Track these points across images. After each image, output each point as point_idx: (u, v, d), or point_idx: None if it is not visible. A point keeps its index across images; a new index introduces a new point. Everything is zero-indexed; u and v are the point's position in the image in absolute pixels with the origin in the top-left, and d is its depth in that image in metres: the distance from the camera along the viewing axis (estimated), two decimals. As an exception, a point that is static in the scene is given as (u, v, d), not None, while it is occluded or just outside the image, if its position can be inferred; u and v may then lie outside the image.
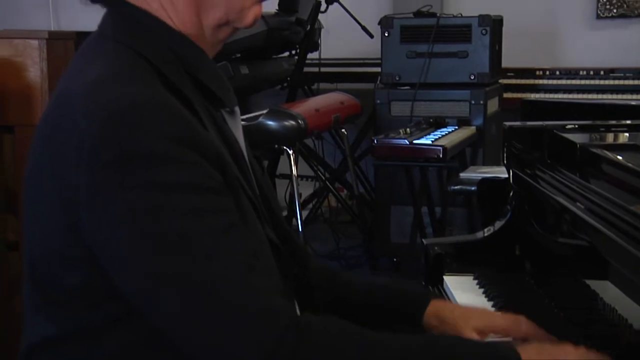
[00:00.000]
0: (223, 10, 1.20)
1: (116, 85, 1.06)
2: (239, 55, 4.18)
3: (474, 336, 1.33)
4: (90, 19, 1.32)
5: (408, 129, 3.65)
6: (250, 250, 1.09)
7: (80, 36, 3.03)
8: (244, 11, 1.21)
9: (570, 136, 1.65)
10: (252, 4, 1.22)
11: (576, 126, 1.78)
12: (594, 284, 1.42)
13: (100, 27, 1.20)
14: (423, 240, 1.92)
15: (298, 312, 1.26)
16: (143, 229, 1.02)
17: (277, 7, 4.36)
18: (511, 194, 1.85)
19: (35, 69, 2.71)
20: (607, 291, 1.36)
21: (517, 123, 1.87)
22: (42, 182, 1.11)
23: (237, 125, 1.29)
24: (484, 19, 4.10)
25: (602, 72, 4.72)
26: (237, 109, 1.29)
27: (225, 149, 1.17)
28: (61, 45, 2.79)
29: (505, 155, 1.87)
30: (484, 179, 2.13)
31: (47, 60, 2.70)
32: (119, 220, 1.03)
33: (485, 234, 1.85)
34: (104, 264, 1.07)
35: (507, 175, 1.88)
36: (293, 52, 4.66)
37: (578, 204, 1.42)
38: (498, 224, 1.84)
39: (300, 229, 3.63)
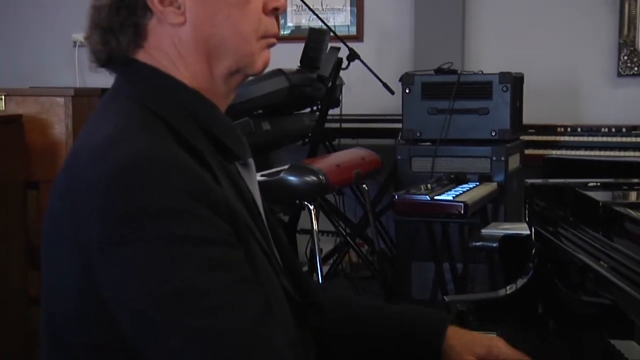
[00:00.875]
0: (233, 58, 1.22)
1: (127, 141, 1.08)
2: (260, 111, 4.21)
3: None
4: (114, 75, 1.34)
5: (429, 185, 3.65)
6: (261, 303, 1.09)
7: (105, 93, 3.08)
8: (254, 57, 1.23)
9: (592, 194, 1.64)
10: (261, 49, 1.24)
11: (598, 184, 1.77)
12: (619, 344, 1.40)
13: (113, 85, 1.23)
14: (445, 297, 1.91)
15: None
16: (153, 281, 1.02)
17: (298, 64, 4.41)
18: (533, 251, 1.83)
19: (60, 126, 2.76)
20: (632, 351, 1.34)
21: (539, 180, 1.87)
22: (58, 239, 1.12)
23: (251, 177, 1.30)
24: (504, 76, 4.12)
25: (624, 130, 4.70)
26: (251, 161, 1.30)
27: (239, 201, 1.17)
28: (86, 102, 2.84)
29: (527, 212, 1.86)
30: (506, 236, 2.12)
31: (72, 117, 2.74)
32: (128, 273, 1.03)
33: (508, 292, 1.84)
34: (115, 316, 1.07)
35: (529, 232, 1.87)
36: (314, 108, 4.70)
37: (601, 262, 1.41)
38: (520, 282, 1.83)
39: (320, 285, 3.61)
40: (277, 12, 1.25)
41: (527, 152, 4.57)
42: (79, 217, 1.07)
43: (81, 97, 2.85)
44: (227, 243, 1.07)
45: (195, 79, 1.21)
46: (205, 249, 1.04)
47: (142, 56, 1.21)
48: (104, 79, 1.27)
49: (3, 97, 3.17)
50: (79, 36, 5.53)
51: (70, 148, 2.76)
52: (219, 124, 1.22)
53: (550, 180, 1.85)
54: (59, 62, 5.77)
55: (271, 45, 1.26)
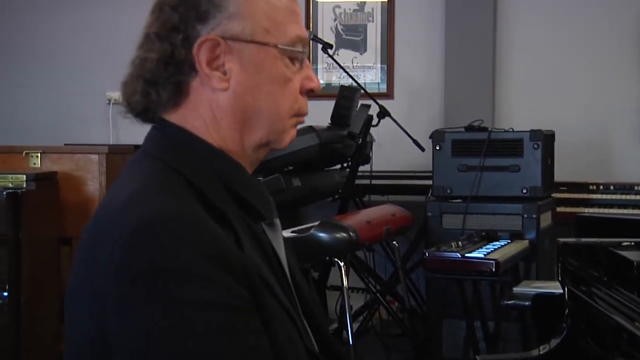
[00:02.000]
0: (265, 131, 1.24)
1: (147, 200, 1.09)
2: (291, 167, 4.24)
3: None
4: (147, 132, 1.36)
5: (460, 242, 3.63)
6: None
7: (138, 149, 3.13)
8: (284, 134, 1.26)
9: (626, 254, 1.62)
10: (291, 127, 1.27)
11: (632, 243, 1.76)
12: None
13: (143, 145, 1.24)
14: (477, 356, 1.89)
15: None
16: (164, 345, 1.02)
17: (329, 121, 4.44)
18: (567, 311, 1.81)
19: (94, 183, 2.79)
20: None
21: (572, 239, 1.86)
22: (79, 296, 1.13)
23: (277, 237, 1.30)
24: (535, 134, 4.12)
25: (657, 187, 4.67)
26: (277, 221, 1.31)
27: (262, 262, 1.18)
28: (120, 159, 2.88)
29: (560, 271, 1.85)
30: (538, 295, 2.10)
31: (105, 174, 2.78)
32: (140, 334, 1.03)
33: (541, 352, 1.81)
34: None
35: (562, 291, 1.85)
36: (345, 164, 4.71)
37: (637, 323, 1.39)
38: (554, 342, 1.81)
39: (350, 342, 3.58)
40: (311, 94, 1.28)
41: (558, 209, 4.54)
42: (98, 275, 1.08)
43: (115, 155, 2.89)
44: (240, 309, 1.07)
45: (224, 142, 1.23)
46: (216, 314, 1.04)
47: (174, 116, 1.23)
48: (137, 136, 1.29)
49: (39, 154, 3.23)
50: (114, 94, 5.63)
51: (103, 205, 2.79)
52: (244, 185, 1.23)
53: (583, 239, 1.83)
54: (94, 119, 5.86)
55: (299, 123, 1.29)
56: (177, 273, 1.03)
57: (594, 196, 4.75)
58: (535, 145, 4.10)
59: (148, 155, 1.21)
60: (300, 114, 1.28)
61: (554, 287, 2.03)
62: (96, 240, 1.11)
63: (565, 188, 4.77)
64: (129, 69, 1.24)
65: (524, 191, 4.11)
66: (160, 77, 1.20)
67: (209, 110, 1.22)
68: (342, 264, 3.59)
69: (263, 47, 1.21)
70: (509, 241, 3.91)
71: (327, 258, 3.61)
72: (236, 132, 1.23)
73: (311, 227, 3.48)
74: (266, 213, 1.26)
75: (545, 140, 4.15)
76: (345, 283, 3.64)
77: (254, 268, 1.12)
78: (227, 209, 1.16)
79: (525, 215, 4.04)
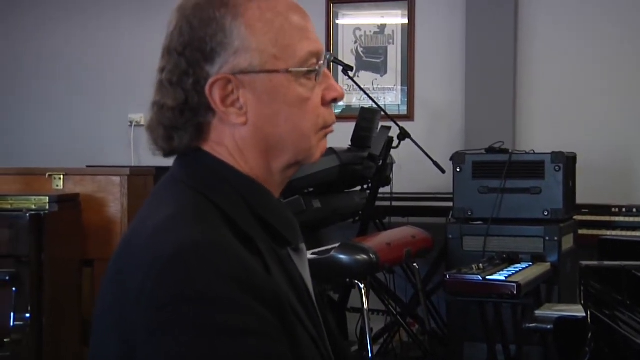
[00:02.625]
0: (292, 153, 1.24)
1: (178, 229, 1.10)
2: (311, 189, 4.24)
3: None
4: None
5: (481, 265, 3.61)
6: None
7: (160, 171, 3.15)
8: (312, 150, 1.25)
9: (649, 277, 1.61)
10: (319, 140, 1.26)
11: (655, 267, 1.74)
12: None
13: (171, 170, 1.25)
14: (499, 381, 1.87)
15: None
16: None
17: (350, 143, 4.45)
18: (590, 334, 1.80)
19: (116, 204, 2.81)
20: None
21: (594, 263, 1.84)
22: (107, 320, 1.13)
23: (303, 262, 1.30)
24: (557, 156, 4.10)
25: (680, 210, 4.62)
26: (303, 246, 1.31)
27: (289, 288, 1.18)
28: (141, 180, 2.89)
29: (582, 294, 1.83)
30: (561, 318, 2.09)
31: (127, 196, 2.80)
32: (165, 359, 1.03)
33: (564, 376, 1.80)
34: None
35: (584, 315, 1.84)
36: (365, 186, 4.71)
37: (661, 348, 1.38)
38: (577, 366, 1.79)
39: (371, 366, 3.57)
40: (336, 102, 1.27)
41: (580, 232, 4.51)
42: (126, 301, 1.08)
43: (136, 176, 2.91)
44: (268, 336, 1.07)
45: (252, 170, 1.23)
46: (245, 341, 1.04)
47: (203, 145, 1.23)
48: (159, 158, 1.30)
49: (62, 176, 3.26)
50: (135, 116, 5.67)
51: (125, 227, 2.80)
52: (271, 210, 1.23)
53: (606, 263, 1.82)
54: (116, 141, 5.91)
55: (328, 133, 1.28)
56: (207, 301, 1.04)
57: (617, 219, 4.72)
58: (556, 167, 4.09)
59: (177, 181, 1.22)
60: (326, 126, 1.27)
61: (577, 311, 2.01)
62: (126, 265, 1.12)
63: (587, 210, 4.74)
64: (150, 113, 1.25)
65: (546, 213, 4.09)
66: (179, 122, 1.21)
67: (233, 143, 1.23)
68: (362, 286, 3.58)
69: (274, 75, 1.20)
70: (531, 264, 3.89)
71: (348, 280, 3.60)
72: (262, 160, 1.23)
73: (331, 248, 3.48)
74: (292, 238, 1.26)
75: (567, 162, 4.13)
76: (365, 305, 3.63)
77: (282, 294, 1.13)
78: (255, 235, 1.17)
79: (547, 238, 4.02)
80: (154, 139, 1.25)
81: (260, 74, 1.20)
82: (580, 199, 4.45)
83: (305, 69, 1.22)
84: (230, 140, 1.22)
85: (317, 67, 1.24)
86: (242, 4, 1.20)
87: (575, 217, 4.46)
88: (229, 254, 1.08)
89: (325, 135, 1.27)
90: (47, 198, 3.11)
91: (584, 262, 1.83)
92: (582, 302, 1.83)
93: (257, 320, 1.06)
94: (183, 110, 1.20)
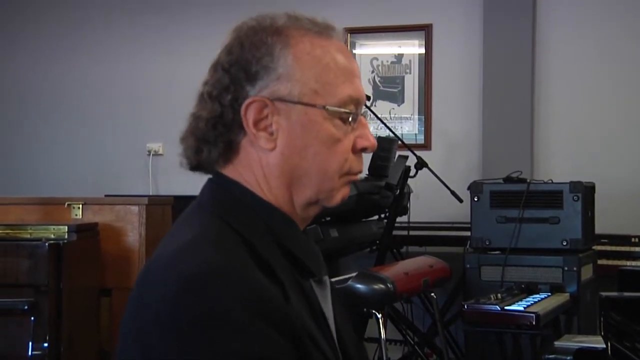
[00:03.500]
0: (314, 190, 1.25)
1: (197, 254, 1.11)
2: (328, 218, 4.24)
3: None
4: (187, 182, 1.38)
5: (499, 295, 3.59)
6: None
7: (178, 200, 3.16)
8: (334, 192, 1.26)
9: (670, 309, 1.60)
10: (342, 185, 1.27)
11: (676, 298, 1.73)
12: None
13: (199, 196, 1.27)
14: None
15: None
16: None
17: (367, 172, 4.45)
18: (610, 367, 1.78)
19: (134, 234, 2.82)
20: None
21: (614, 293, 1.83)
22: (128, 342, 1.14)
23: (325, 294, 1.30)
24: (575, 186, 4.09)
25: (701, 240, 4.58)
26: (326, 278, 1.31)
27: (308, 316, 1.18)
28: (159, 210, 2.91)
29: (602, 326, 1.82)
30: (581, 349, 2.07)
31: (145, 225, 2.81)
32: None
33: (584, 409, 1.78)
34: None
35: (604, 346, 1.82)
36: (382, 215, 4.71)
37: (682, 381, 1.36)
38: (597, 399, 1.77)
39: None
40: (366, 152, 1.28)
41: (600, 262, 4.48)
42: (146, 326, 1.09)
43: (154, 206, 2.92)
44: None
45: (276, 199, 1.25)
46: None
47: (229, 170, 1.26)
48: (176, 187, 1.31)
49: (80, 205, 3.28)
50: (153, 145, 5.70)
51: (143, 256, 2.81)
52: (295, 240, 1.24)
53: (626, 294, 1.81)
54: (134, 170, 5.93)
55: (352, 180, 1.29)
56: (222, 326, 1.04)
57: (637, 249, 4.68)
58: (575, 197, 4.07)
59: (202, 207, 1.24)
60: (351, 173, 1.27)
61: (597, 342, 1.99)
62: (146, 288, 1.13)
63: (606, 240, 4.71)
64: (186, 124, 1.27)
65: (564, 243, 4.06)
66: (210, 136, 1.24)
67: (259, 168, 1.24)
68: (379, 315, 3.56)
69: (310, 109, 1.22)
70: (550, 294, 3.86)
71: (365, 309, 3.58)
72: (286, 191, 1.25)
73: (349, 278, 3.47)
74: (315, 270, 1.27)
75: (586, 191, 4.11)
76: (382, 335, 3.61)
77: (298, 320, 1.13)
78: (275, 262, 1.17)
79: (566, 268, 3.99)
80: (184, 149, 1.27)
81: (297, 105, 1.22)
82: (599, 229, 4.42)
83: (342, 109, 1.24)
84: (257, 165, 1.24)
85: (354, 112, 1.25)
86: (295, 36, 1.23)
87: (594, 247, 4.42)
88: (246, 280, 1.09)
89: (349, 182, 1.28)
90: (66, 227, 3.13)
91: (604, 293, 1.82)
92: (602, 333, 1.81)
93: (271, 346, 1.07)
94: (216, 124, 1.23)
